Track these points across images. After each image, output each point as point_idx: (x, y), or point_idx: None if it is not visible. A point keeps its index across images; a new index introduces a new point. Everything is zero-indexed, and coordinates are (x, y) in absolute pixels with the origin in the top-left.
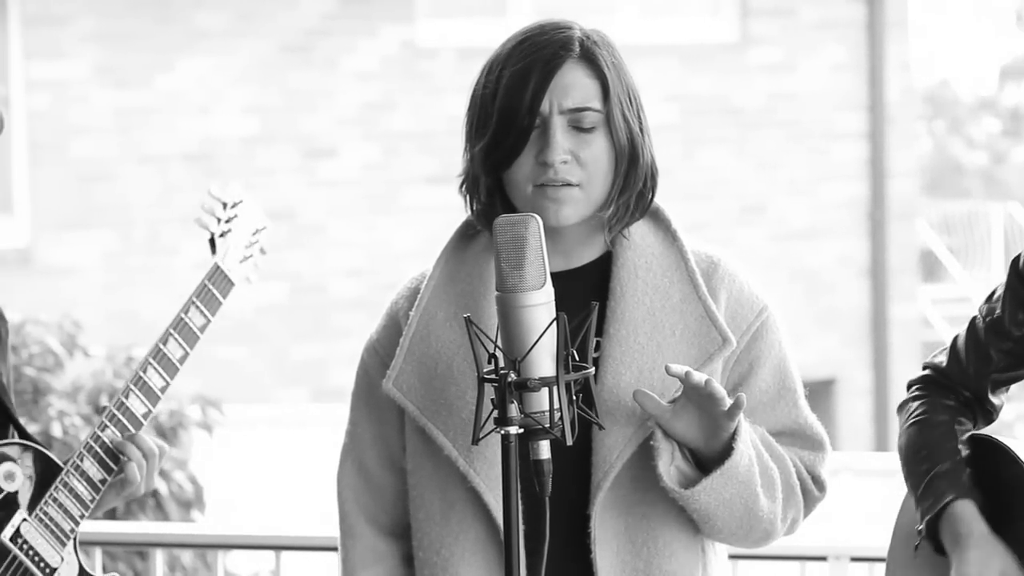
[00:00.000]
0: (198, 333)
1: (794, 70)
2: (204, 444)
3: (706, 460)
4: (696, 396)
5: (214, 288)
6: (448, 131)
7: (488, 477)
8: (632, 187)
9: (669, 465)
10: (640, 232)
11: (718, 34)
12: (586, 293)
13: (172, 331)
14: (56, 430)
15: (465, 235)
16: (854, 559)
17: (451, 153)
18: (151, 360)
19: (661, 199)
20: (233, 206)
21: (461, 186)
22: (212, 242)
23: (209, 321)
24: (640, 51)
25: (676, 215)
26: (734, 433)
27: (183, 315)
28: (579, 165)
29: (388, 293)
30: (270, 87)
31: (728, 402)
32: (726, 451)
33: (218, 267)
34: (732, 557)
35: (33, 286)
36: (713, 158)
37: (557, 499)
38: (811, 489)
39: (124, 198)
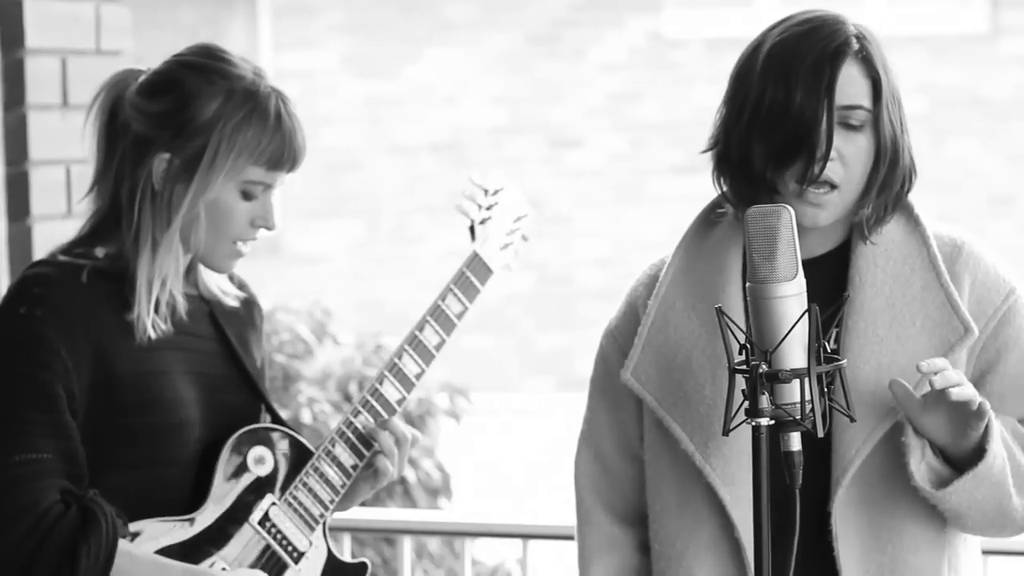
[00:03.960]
0: (455, 320)
1: None
2: (452, 432)
3: (956, 459)
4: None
5: (472, 275)
6: (695, 122)
7: (724, 473)
8: (891, 188)
9: (920, 463)
10: None
11: (968, 24)
12: (824, 284)
13: (428, 318)
14: (306, 416)
15: (705, 222)
16: None
17: (698, 144)
18: (406, 347)
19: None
20: (494, 193)
21: (713, 171)
22: (472, 229)
23: (467, 308)
24: (889, 41)
25: (922, 203)
26: (985, 432)
27: (440, 302)
28: (842, 164)
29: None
30: (517, 78)
31: (978, 401)
32: (978, 452)
33: (476, 254)
34: (983, 552)
35: (282, 274)
36: (961, 149)
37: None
38: None
39: (372, 187)
